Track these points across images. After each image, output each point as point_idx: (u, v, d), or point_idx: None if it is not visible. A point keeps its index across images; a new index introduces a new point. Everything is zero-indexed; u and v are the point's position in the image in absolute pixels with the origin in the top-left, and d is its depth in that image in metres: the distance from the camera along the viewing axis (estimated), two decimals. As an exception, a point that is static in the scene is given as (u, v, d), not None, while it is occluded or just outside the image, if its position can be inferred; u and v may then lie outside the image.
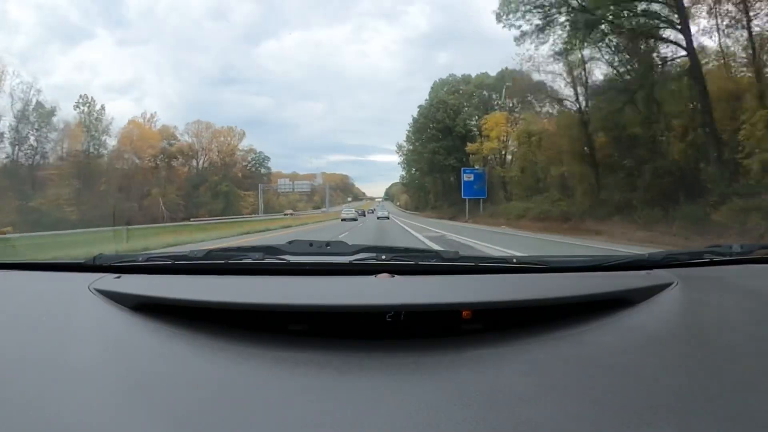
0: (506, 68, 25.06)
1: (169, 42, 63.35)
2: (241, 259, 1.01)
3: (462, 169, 28.40)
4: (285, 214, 40.12)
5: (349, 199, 77.37)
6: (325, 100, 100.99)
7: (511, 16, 16.28)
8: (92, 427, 0.48)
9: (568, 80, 18.41)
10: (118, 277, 0.91)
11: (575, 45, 15.75)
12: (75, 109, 31.88)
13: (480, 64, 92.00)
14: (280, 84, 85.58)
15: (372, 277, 0.86)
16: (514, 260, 1.02)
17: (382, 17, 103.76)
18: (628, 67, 15.61)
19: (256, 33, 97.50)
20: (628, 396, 0.53)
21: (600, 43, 15.39)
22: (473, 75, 35.17)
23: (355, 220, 26.47)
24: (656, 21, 13.54)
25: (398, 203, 66.86)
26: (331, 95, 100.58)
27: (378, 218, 30.38)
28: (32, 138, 28.72)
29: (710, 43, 13.74)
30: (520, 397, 0.53)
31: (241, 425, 0.48)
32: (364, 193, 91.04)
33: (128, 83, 64.35)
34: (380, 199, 68.66)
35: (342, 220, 26.67)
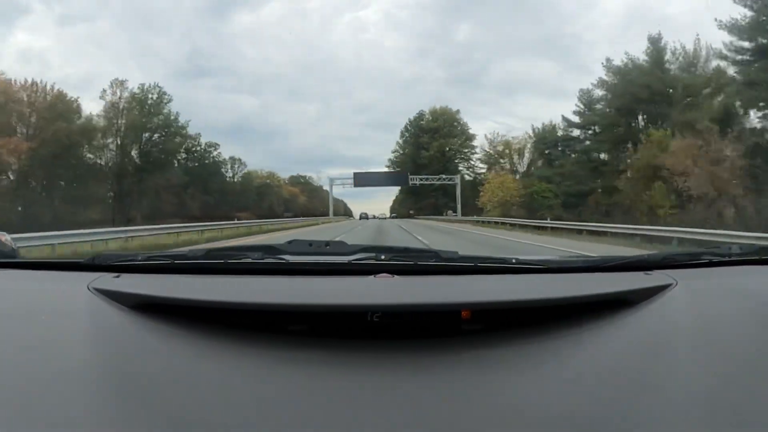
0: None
1: (118, 16, 50.46)
2: (240, 259, 1.01)
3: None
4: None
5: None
6: (319, 101, 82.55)
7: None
8: (91, 426, 0.48)
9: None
10: (118, 277, 0.91)
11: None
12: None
13: (509, 42, 72.81)
14: (261, 76, 70.02)
15: (371, 277, 0.86)
16: (514, 261, 1.01)
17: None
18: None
19: (223, 2, 76.22)
20: (628, 396, 0.53)
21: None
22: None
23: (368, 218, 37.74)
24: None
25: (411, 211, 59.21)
26: (324, 93, 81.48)
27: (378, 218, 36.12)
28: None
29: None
30: (520, 397, 0.53)
31: (241, 425, 0.48)
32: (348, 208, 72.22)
33: (85, 78, 52.99)
34: (380, 216, 51.32)
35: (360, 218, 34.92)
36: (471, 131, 46.49)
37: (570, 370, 0.60)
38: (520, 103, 76.84)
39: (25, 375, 0.57)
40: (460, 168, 45.30)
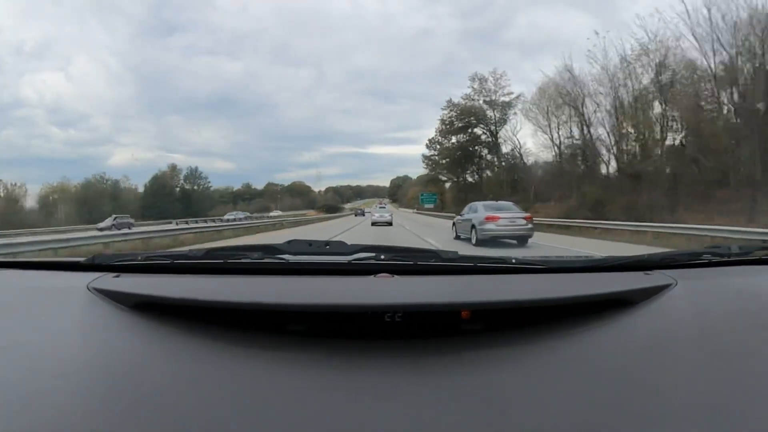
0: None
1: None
2: (240, 259, 1.01)
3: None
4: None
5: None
6: (310, 64, 62.32)
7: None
8: (91, 426, 0.48)
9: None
10: (117, 277, 0.91)
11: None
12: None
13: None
14: (240, 33, 57.21)
15: (371, 277, 0.86)
16: (514, 260, 1.01)
17: None
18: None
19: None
20: (628, 396, 0.53)
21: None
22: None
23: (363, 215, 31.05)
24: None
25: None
26: (315, 53, 59.45)
27: (373, 223, 22.31)
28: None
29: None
30: (520, 398, 0.53)
31: (241, 425, 0.48)
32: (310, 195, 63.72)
33: (42, 42, 46.89)
34: (380, 204, 42.46)
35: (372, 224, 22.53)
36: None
37: (570, 370, 0.60)
38: (540, 67, 69.19)
39: (25, 375, 0.57)
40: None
